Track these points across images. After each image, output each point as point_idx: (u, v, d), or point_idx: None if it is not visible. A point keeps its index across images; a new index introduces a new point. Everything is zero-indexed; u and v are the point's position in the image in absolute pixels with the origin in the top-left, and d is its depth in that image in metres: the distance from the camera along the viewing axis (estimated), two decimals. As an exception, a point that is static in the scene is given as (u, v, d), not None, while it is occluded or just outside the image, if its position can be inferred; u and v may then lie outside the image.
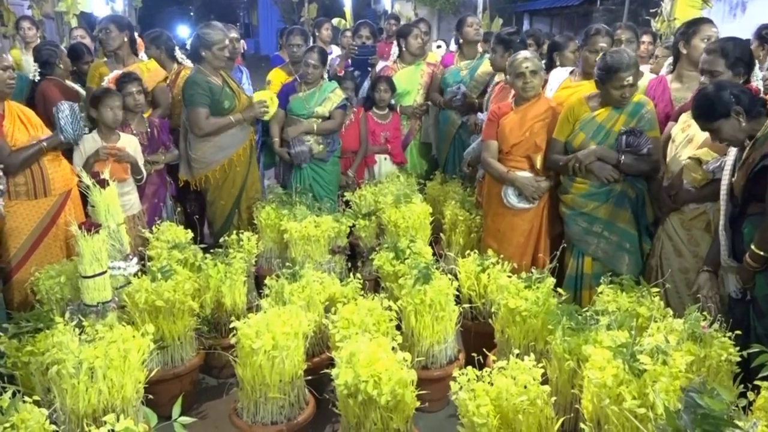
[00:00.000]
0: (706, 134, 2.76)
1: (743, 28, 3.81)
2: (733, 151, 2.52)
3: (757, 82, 2.93)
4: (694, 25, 3.29)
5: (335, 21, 7.97)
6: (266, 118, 4.24)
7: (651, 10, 5.82)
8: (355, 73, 5.04)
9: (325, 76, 4.46)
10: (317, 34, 5.79)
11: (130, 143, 3.66)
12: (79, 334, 2.42)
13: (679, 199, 2.90)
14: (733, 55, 2.75)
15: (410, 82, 4.92)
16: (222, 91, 3.98)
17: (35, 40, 5.86)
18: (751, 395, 1.96)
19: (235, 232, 3.66)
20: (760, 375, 1.91)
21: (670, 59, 3.52)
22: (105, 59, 4.35)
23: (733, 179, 2.47)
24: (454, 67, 4.80)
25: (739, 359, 2.18)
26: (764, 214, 2.33)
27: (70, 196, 3.42)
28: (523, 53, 3.47)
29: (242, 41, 5.11)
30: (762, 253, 2.31)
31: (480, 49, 4.83)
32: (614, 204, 3.16)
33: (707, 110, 2.42)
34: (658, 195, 3.06)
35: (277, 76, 4.90)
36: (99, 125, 3.58)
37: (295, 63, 4.73)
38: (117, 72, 3.96)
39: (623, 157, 3.06)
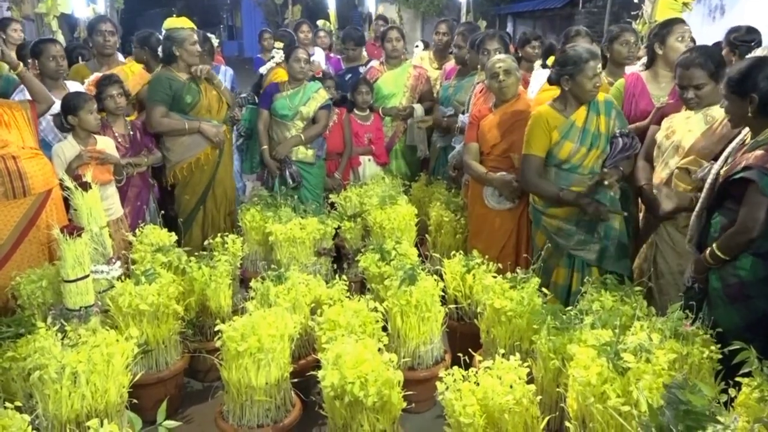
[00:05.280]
0: (692, 141, 2.77)
1: (722, 31, 3.85)
2: (733, 143, 2.47)
3: None
4: (668, 26, 3.30)
5: (320, 23, 7.99)
6: None
7: (632, 13, 5.88)
8: (346, 77, 5.09)
9: None
10: (295, 36, 5.78)
11: (107, 145, 3.61)
12: (62, 339, 2.40)
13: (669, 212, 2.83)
14: (712, 64, 2.74)
15: (396, 84, 4.92)
16: (185, 86, 3.99)
17: (20, 42, 5.77)
18: (732, 391, 1.99)
19: (220, 235, 3.64)
20: (740, 371, 1.94)
21: (644, 59, 3.56)
22: (84, 61, 4.30)
23: (721, 170, 2.44)
24: (447, 83, 4.76)
25: (720, 356, 2.21)
26: (734, 211, 2.33)
27: (50, 197, 3.33)
28: (498, 55, 3.49)
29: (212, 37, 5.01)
30: (722, 255, 2.33)
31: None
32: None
33: (736, 80, 2.31)
34: (647, 203, 2.98)
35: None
36: (75, 130, 3.48)
37: None
38: (97, 74, 3.92)
39: (622, 166, 2.98)
